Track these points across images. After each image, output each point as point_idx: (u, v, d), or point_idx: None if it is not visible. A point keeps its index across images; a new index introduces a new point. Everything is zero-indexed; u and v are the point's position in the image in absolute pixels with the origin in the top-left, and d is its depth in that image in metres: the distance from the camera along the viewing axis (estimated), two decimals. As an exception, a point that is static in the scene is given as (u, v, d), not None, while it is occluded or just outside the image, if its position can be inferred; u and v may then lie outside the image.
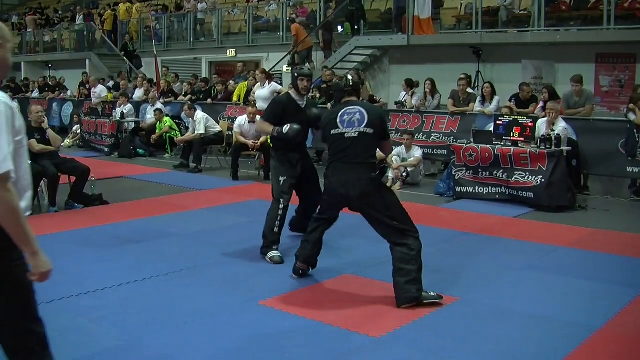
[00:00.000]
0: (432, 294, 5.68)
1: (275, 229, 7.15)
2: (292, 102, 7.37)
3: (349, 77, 6.23)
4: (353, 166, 5.79)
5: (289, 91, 7.67)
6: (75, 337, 4.93)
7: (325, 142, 6.15)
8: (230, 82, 17.79)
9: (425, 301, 5.59)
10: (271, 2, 21.93)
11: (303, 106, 7.37)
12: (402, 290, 5.59)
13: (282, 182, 7.27)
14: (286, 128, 7.10)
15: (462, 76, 13.71)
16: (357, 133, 5.82)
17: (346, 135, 5.81)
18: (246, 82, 16.58)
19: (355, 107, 5.99)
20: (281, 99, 7.74)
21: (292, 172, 7.32)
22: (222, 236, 8.17)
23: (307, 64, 6.40)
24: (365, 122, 5.83)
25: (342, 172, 5.82)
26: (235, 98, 16.72)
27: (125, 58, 24.55)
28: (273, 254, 7.07)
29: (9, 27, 33.68)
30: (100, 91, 19.39)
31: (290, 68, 19.22)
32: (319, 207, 6.43)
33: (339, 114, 5.95)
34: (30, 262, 3.23)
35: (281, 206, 7.15)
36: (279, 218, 7.13)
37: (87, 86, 21.41)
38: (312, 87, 7.54)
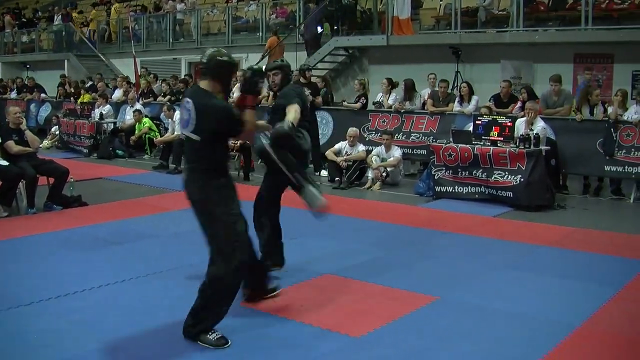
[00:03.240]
0: (212, 338, 4.82)
1: None
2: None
3: (211, 49, 5.09)
4: (186, 170, 5.17)
5: None
6: (55, 339, 4.90)
7: None
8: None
9: (199, 342, 4.82)
10: (250, 2, 21.87)
11: None
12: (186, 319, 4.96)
13: None
14: None
15: (432, 76, 13.81)
16: (184, 136, 5.07)
17: (181, 135, 5.16)
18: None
19: (189, 99, 4.98)
20: None
21: None
22: (202, 237, 8.13)
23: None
24: (192, 123, 4.89)
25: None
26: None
27: (103, 58, 24.46)
28: None
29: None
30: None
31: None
32: None
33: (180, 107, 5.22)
34: None
35: None
36: None
37: (66, 88, 21.33)
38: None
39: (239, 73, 11.21)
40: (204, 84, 5.00)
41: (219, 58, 4.99)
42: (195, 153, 4.97)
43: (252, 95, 5.07)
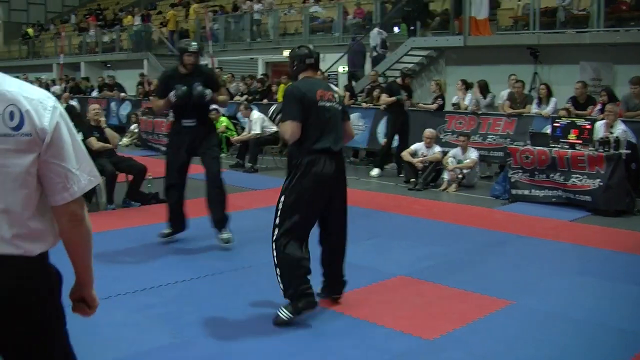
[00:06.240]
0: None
1: None
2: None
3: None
4: None
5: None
6: (130, 333, 5.01)
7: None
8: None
9: None
10: (316, 4, 21.98)
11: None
12: None
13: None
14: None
15: (514, 77, 13.63)
16: None
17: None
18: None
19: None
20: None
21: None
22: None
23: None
24: None
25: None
26: (280, 97, 16.79)
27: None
28: None
29: (69, 27, 34.45)
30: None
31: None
32: None
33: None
34: (86, 294, 2.83)
35: None
36: None
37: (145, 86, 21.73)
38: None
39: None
40: None
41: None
42: None
43: None
